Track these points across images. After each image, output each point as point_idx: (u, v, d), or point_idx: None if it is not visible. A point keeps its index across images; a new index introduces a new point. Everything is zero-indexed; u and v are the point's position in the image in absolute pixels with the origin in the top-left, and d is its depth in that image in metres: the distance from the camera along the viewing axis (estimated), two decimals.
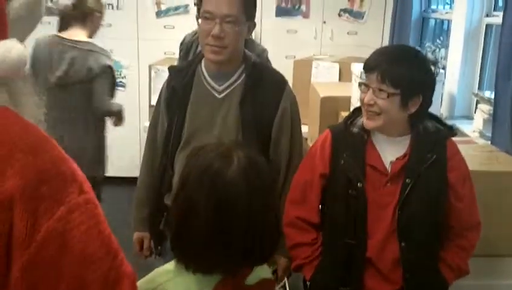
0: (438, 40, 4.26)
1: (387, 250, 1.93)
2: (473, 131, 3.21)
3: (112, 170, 4.33)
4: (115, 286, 0.90)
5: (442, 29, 4.43)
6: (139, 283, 1.43)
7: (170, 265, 1.46)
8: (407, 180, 1.91)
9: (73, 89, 3.34)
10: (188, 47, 3.35)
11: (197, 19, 2.11)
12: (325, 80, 4.54)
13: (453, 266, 1.98)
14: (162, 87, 2.29)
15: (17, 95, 0.99)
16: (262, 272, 1.51)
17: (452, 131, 2.02)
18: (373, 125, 1.92)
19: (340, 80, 4.55)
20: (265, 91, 2.16)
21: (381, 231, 1.93)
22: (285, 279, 2.13)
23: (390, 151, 1.96)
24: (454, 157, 1.98)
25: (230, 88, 2.15)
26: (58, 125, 3.25)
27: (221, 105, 2.15)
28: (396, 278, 1.93)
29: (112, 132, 4.34)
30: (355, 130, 2.00)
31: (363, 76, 1.96)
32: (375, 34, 5.15)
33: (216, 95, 2.15)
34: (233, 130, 2.12)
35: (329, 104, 3.55)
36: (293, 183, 2.10)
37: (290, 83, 4.50)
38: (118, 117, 3.63)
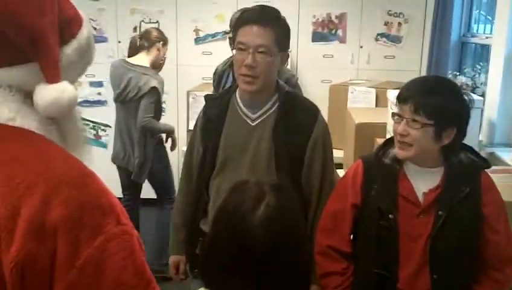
0: (477, 66, 4.20)
1: (419, 282, 1.92)
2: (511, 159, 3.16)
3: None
4: None
5: (482, 55, 4.37)
6: None
7: None
8: (439, 212, 1.90)
9: (128, 105, 4.00)
10: (220, 76, 3.46)
11: (232, 50, 2.17)
12: (361, 105, 4.52)
13: None
14: (199, 115, 2.37)
15: (66, 132, 1.08)
16: None
17: (486, 163, 2.01)
18: (405, 155, 1.92)
19: (376, 105, 4.52)
20: (297, 119, 2.20)
21: (413, 262, 1.92)
22: None
23: (423, 183, 1.95)
24: (489, 190, 1.96)
25: (263, 116, 2.20)
26: (119, 136, 4.12)
27: (254, 132, 2.19)
28: None
29: None
30: (387, 161, 2.00)
31: (397, 106, 1.97)
32: (413, 58, 5.14)
33: (249, 122, 2.20)
34: (265, 157, 2.16)
35: (365, 131, 3.53)
36: (324, 211, 2.11)
37: (326, 108, 4.61)
38: (169, 137, 4.22)
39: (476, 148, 3.35)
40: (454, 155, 1.95)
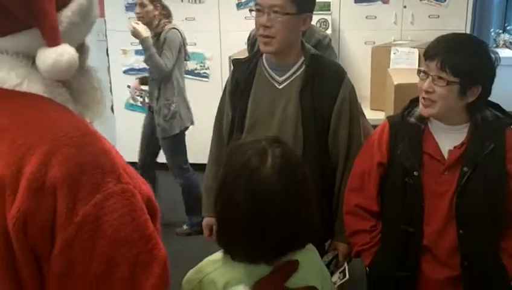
0: None
1: (444, 238, 1.95)
2: None
3: (200, 158, 4.55)
4: (145, 268, 1.00)
5: None
6: (188, 273, 1.57)
7: (218, 255, 1.57)
8: (464, 168, 1.92)
9: None
10: (253, 42, 3.47)
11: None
12: (404, 66, 4.48)
13: None
14: (227, 80, 2.42)
15: (80, 93, 1.13)
16: (310, 279, 1.58)
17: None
18: (429, 112, 1.95)
19: (419, 65, 4.47)
20: (324, 82, 2.23)
21: (438, 219, 1.95)
22: (346, 264, 2.19)
23: (447, 140, 1.98)
24: None
25: (290, 79, 2.24)
26: None
27: (281, 95, 2.24)
28: (454, 265, 1.95)
29: (197, 122, 4.56)
30: (412, 120, 2.02)
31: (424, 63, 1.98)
32: (457, 17, 5.00)
33: (276, 85, 2.25)
34: (292, 120, 2.21)
35: (404, 91, 3.51)
36: (352, 172, 2.16)
37: (369, 70, 4.58)
38: None
39: None
40: (479, 112, 1.96)
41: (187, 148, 4.56)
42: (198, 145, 4.34)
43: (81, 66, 1.13)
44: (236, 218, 1.44)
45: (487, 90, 1.93)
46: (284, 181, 1.43)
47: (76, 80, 1.12)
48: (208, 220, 2.48)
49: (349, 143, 2.24)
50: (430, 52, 1.92)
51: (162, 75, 4.13)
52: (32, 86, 1.04)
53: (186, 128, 4.44)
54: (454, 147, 1.96)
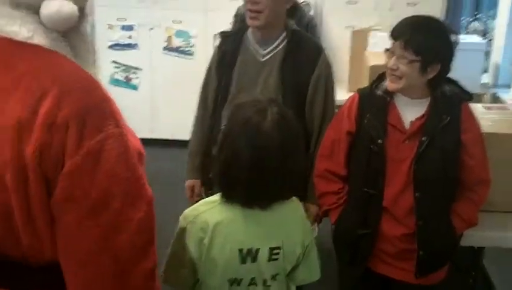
0: (490, 12, 4.32)
1: (402, 199, 2.15)
2: (510, 98, 3.33)
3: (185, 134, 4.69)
4: (134, 201, 1.18)
5: (497, 1, 4.47)
6: (185, 211, 1.78)
7: (215, 197, 1.80)
8: (423, 138, 2.12)
9: None
10: (241, 19, 3.63)
11: None
12: (381, 50, 4.65)
13: (464, 217, 2.19)
14: (214, 51, 2.60)
15: (77, 49, 1.29)
16: (293, 229, 1.83)
17: (468, 95, 2.21)
18: (395, 87, 2.14)
19: None
20: (303, 56, 2.42)
21: (398, 182, 2.15)
22: (316, 224, 2.40)
23: (410, 112, 2.17)
24: (468, 120, 2.17)
25: (272, 52, 2.42)
26: None
27: (263, 67, 2.42)
28: (410, 224, 2.16)
29: (182, 99, 4.64)
30: (379, 92, 2.21)
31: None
32: (433, 5, 5.15)
33: (259, 58, 2.43)
34: (273, 90, 2.39)
35: (379, 72, 3.70)
36: (323, 139, 2.35)
37: (348, 53, 4.75)
38: None
39: (478, 88, 3.56)
40: (439, 87, 2.16)
41: (173, 124, 4.61)
42: (183, 120, 4.50)
43: (79, 28, 1.29)
44: (238, 165, 1.66)
45: (446, 68, 2.13)
46: (282, 134, 1.66)
47: (73, 38, 1.27)
48: (190, 182, 2.66)
49: (324, 113, 2.44)
50: (395, 33, 2.11)
51: None
52: (41, 40, 1.20)
53: None
54: (416, 118, 2.15)
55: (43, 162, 1.12)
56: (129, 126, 1.28)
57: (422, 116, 2.15)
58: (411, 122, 2.16)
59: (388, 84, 2.16)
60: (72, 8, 1.21)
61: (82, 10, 1.30)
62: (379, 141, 2.15)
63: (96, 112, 1.16)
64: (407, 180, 2.14)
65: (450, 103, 2.15)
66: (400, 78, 2.10)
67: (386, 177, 2.16)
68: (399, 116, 2.18)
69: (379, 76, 2.27)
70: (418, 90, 2.16)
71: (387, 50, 2.15)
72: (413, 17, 2.16)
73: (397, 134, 2.16)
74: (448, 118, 2.12)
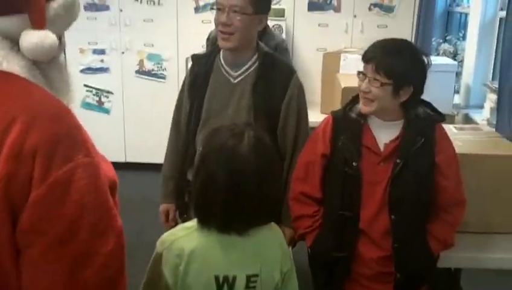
0: (459, 33, 4.40)
1: (378, 222, 2.15)
2: (482, 119, 3.37)
3: (158, 157, 4.64)
4: (103, 234, 1.14)
5: (466, 23, 4.56)
6: (163, 236, 1.75)
7: (192, 222, 1.78)
8: (397, 160, 2.12)
9: None
10: (213, 42, 3.65)
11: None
12: (353, 72, 4.69)
13: (439, 238, 2.19)
14: (186, 74, 2.59)
15: (51, 78, 1.26)
16: (271, 254, 1.80)
17: (441, 117, 2.21)
18: (368, 110, 2.14)
19: None
20: (275, 78, 2.41)
21: (374, 205, 2.15)
22: (290, 248, 2.37)
23: (384, 135, 2.18)
24: (442, 141, 2.19)
25: (244, 74, 2.42)
26: None
27: (235, 89, 2.42)
28: (387, 246, 2.15)
29: (154, 119, 4.62)
30: (353, 115, 2.22)
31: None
32: (404, 27, 5.28)
33: (231, 80, 2.43)
34: (245, 113, 2.38)
35: (351, 94, 3.68)
36: (298, 162, 2.34)
37: (320, 75, 4.79)
38: None
39: (450, 109, 3.61)
40: (412, 109, 2.16)
41: (145, 148, 4.63)
42: (155, 144, 4.47)
43: (55, 57, 1.26)
44: (215, 190, 1.65)
45: (419, 90, 2.14)
46: (258, 158, 1.65)
47: (49, 68, 1.25)
48: (164, 207, 2.63)
49: (296, 136, 2.43)
50: (366, 56, 2.12)
51: None
52: (11, 66, 1.17)
53: None
54: (390, 141, 2.16)
55: (9, 193, 1.08)
56: (102, 154, 1.25)
57: (397, 138, 2.16)
58: (385, 144, 2.17)
59: (361, 106, 2.16)
60: (53, 39, 1.19)
61: (60, 39, 1.27)
62: (354, 163, 2.15)
63: (66, 140, 1.12)
64: (382, 202, 2.14)
65: (423, 124, 2.16)
66: (373, 101, 2.11)
67: (362, 199, 2.16)
68: (373, 138, 2.18)
69: (353, 98, 2.28)
70: (392, 113, 2.17)
71: (359, 73, 2.16)
72: (384, 40, 2.18)
73: (372, 156, 2.17)
74: (422, 139, 2.13)
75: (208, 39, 3.80)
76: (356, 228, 2.16)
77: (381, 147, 2.17)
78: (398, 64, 2.06)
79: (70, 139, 1.13)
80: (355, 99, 2.25)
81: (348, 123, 2.22)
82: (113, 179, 1.25)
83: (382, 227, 2.15)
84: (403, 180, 2.12)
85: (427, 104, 2.24)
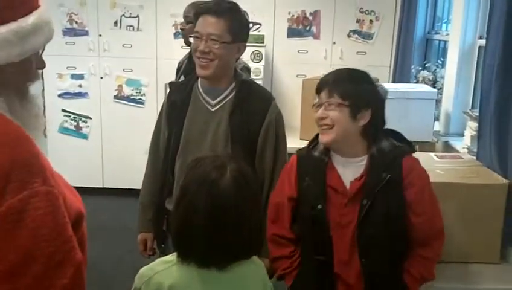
0: (438, 61, 4.43)
1: (351, 265, 2.05)
2: (462, 147, 3.37)
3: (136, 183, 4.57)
4: (59, 266, 1.09)
5: (445, 51, 4.58)
6: (141, 270, 1.69)
7: (171, 256, 1.71)
8: (364, 201, 2.01)
9: None
10: (179, 66, 3.66)
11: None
12: None
13: (417, 276, 2.06)
14: (164, 101, 2.55)
15: (13, 106, 1.21)
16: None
17: (410, 147, 2.11)
18: (327, 139, 2.04)
19: None
20: (252, 105, 2.39)
21: (345, 248, 2.05)
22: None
23: (349, 172, 2.07)
24: (410, 173, 2.04)
25: (222, 102, 2.40)
26: None
27: (213, 117, 2.39)
28: (362, 288, 2.05)
29: (132, 147, 4.57)
30: (316, 153, 2.13)
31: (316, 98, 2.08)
32: (383, 54, 5.31)
33: (209, 108, 2.40)
34: (223, 140, 2.36)
35: None
36: (270, 202, 2.27)
37: (299, 101, 4.79)
38: None
39: (430, 137, 3.60)
40: (376, 144, 2.06)
41: (123, 173, 4.59)
42: (133, 170, 4.40)
43: (20, 87, 1.22)
44: (195, 224, 1.59)
45: (378, 116, 2.05)
46: (240, 192, 1.61)
47: (9, 97, 1.20)
48: (143, 236, 2.59)
49: (274, 163, 2.41)
50: (319, 86, 2.06)
51: None
52: None
53: None
54: (355, 179, 2.05)
55: None
56: (69, 183, 1.20)
57: (361, 176, 2.05)
58: (351, 182, 2.06)
59: (320, 137, 2.07)
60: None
61: (18, 65, 1.21)
62: (318, 206, 2.05)
63: (22, 167, 1.08)
64: (353, 245, 2.05)
65: (388, 159, 2.04)
66: (331, 127, 2.01)
67: (333, 243, 2.06)
68: (338, 177, 2.08)
69: (316, 136, 2.17)
70: (354, 144, 2.06)
71: (314, 105, 2.08)
72: (335, 70, 2.13)
73: (339, 197, 2.06)
74: (388, 176, 2.00)
75: (178, 69, 3.76)
76: (332, 272, 2.07)
77: (348, 186, 2.06)
78: (352, 86, 2.01)
79: (27, 167, 1.08)
80: (318, 137, 2.15)
81: (311, 162, 2.13)
82: (78, 210, 1.20)
83: (356, 270, 2.05)
84: (371, 221, 2.01)
85: (396, 134, 2.13)
